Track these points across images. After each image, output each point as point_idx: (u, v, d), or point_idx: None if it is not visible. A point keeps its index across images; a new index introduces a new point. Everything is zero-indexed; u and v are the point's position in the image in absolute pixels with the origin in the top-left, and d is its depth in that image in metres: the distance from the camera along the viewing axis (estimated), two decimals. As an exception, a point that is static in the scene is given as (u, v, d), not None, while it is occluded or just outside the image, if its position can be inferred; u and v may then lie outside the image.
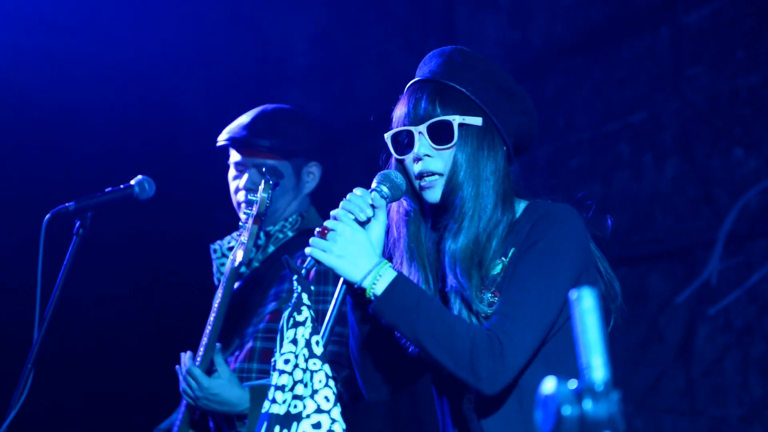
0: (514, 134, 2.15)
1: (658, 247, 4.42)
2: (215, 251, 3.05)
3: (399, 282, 1.99)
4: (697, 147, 4.32)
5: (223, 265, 3.03)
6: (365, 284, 2.00)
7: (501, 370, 1.93)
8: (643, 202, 4.48)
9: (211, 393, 2.78)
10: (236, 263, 2.76)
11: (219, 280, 3.04)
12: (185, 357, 2.81)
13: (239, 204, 3.10)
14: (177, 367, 2.85)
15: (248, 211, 2.75)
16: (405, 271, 2.12)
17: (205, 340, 2.81)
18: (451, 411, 2.13)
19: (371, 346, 2.17)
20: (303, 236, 3.03)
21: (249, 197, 2.76)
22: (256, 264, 3.03)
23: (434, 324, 1.96)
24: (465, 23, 5.02)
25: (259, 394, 2.80)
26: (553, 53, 4.84)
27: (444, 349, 1.95)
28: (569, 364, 1.98)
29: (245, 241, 2.73)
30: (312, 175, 3.17)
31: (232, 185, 3.13)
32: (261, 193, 2.72)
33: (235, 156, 3.12)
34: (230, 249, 3.01)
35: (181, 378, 2.85)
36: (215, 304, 2.83)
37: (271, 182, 2.73)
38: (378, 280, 1.99)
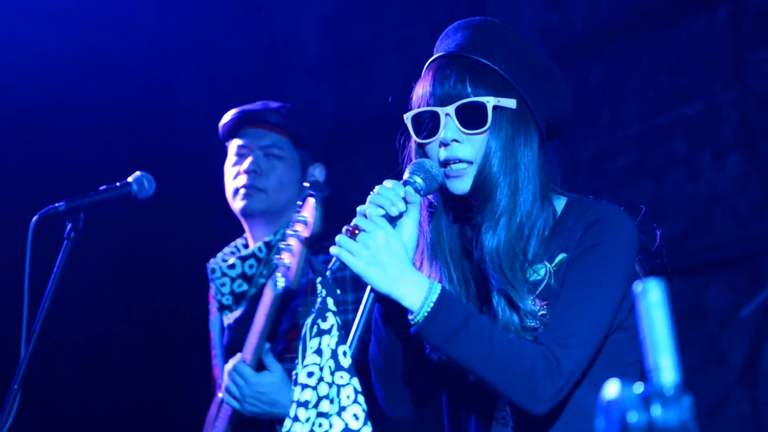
0: (547, 119, 2.16)
1: (718, 255, 4.41)
2: (213, 271, 3.03)
3: (445, 302, 1.99)
4: (760, 141, 4.31)
5: (224, 285, 3.01)
6: (401, 299, 2.00)
7: (559, 390, 1.98)
8: (701, 205, 4.47)
9: (259, 391, 2.79)
10: (279, 288, 2.76)
11: (220, 302, 3.04)
12: (232, 360, 2.84)
13: (236, 191, 3.05)
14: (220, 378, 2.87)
15: (292, 232, 2.72)
16: (426, 269, 2.14)
17: (248, 354, 2.83)
18: (477, 425, 2.15)
19: (399, 357, 2.18)
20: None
21: (296, 218, 2.72)
22: (261, 280, 3.01)
23: (486, 345, 1.97)
24: (497, 4, 5.03)
25: None
26: (596, 38, 4.85)
27: (500, 373, 1.97)
28: (608, 376, 1.99)
29: (290, 264, 2.72)
30: (314, 177, 3.12)
31: (231, 171, 3.08)
32: (314, 212, 2.68)
33: (237, 141, 3.10)
34: (231, 267, 3.01)
35: (220, 385, 2.85)
36: (256, 322, 2.83)
37: (317, 197, 2.69)
38: (420, 298, 1.99)
